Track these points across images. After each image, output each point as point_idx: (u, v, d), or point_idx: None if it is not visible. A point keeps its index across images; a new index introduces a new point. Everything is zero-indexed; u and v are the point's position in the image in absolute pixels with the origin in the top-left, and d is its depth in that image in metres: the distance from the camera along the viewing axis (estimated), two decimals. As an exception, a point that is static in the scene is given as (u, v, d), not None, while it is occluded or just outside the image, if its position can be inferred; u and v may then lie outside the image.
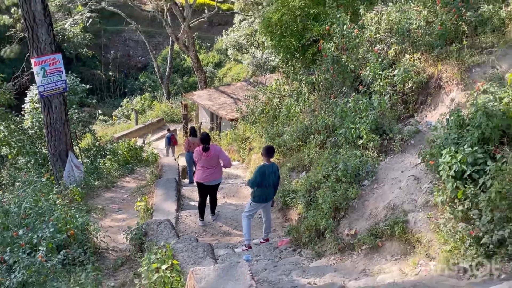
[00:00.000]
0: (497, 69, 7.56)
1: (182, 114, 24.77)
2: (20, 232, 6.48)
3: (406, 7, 10.15)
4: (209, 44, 45.36)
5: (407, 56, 9.18)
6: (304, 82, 12.80)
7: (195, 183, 9.84)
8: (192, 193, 11.76)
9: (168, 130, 22.09)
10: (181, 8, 28.57)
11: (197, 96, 23.83)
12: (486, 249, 4.83)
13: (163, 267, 5.00)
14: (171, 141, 19.99)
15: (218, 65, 42.82)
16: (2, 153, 13.18)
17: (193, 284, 4.20)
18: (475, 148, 5.44)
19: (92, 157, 14.95)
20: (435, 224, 5.66)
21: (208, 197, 9.47)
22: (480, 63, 8.02)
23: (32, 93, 14.71)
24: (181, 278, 4.95)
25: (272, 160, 8.21)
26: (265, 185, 7.91)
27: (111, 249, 7.68)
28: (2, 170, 11.93)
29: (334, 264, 6.74)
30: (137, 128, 28.89)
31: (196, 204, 10.02)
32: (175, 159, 16.05)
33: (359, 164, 7.70)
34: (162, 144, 21.01)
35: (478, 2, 8.99)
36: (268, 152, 7.99)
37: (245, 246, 8.18)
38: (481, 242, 4.85)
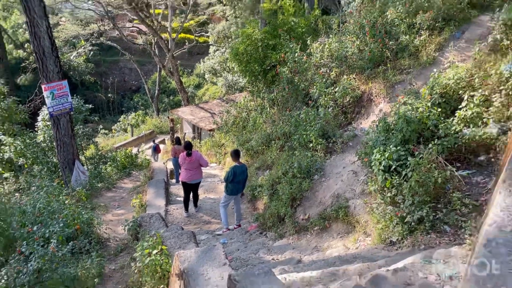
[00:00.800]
0: (414, 86, 7.78)
1: (169, 127, 24.47)
2: (35, 228, 6.26)
3: (343, 38, 10.33)
4: (190, 70, 44.97)
5: (345, 76, 9.33)
6: (266, 98, 12.87)
7: (180, 183, 9.72)
8: (178, 190, 11.58)
9: (153, 141, 22.84)
10: (166, 42, 28.25)
11: (181, 112, 23.51)
12: (409, 226, 4.92)
13: (154, 252, 4.89)
14: (156, 149, 20.62)
15: (198, 86, 42.41)
16: (19, 163, 12.82)
17: (178, 265, 4.13)
18: (398, 147, 5.56)
19: (95, 164, 14.54)
20: (370, 207, 5.75)
21: (191, 193, 9.37)
22: (401, 81, 8.23)
23: (44, 113, 14.31)
24: (169, 260, 4.86)
25: (242, 161, 8.19)
26: (236, 181, 7.89)
27: (112, 239, 7.48)
28: (20, 177, 11.59)
29: (292, 243, 6.75)
30: (132, 139, 28.44)
31: (182, 199, 9.88)
32: (164, 163, 15.80)
33: (310, 163, 7.76)
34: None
35: (398, 33, 9.23)
36: (235, 154, 7.98)
37: (224, 229, 8.17)
38: (405, 221, 4.94)
